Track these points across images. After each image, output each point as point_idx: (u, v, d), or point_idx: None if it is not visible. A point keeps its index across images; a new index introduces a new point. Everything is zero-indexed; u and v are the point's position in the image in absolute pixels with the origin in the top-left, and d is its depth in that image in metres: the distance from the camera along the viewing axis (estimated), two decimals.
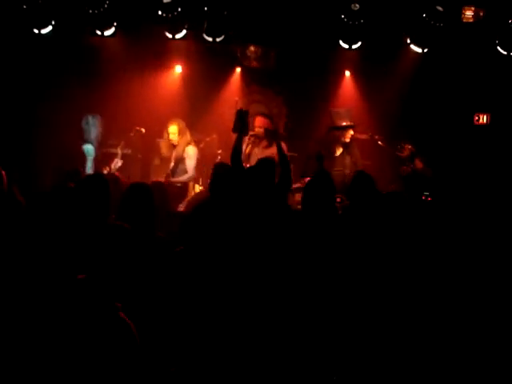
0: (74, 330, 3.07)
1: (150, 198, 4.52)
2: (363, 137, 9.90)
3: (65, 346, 3.04)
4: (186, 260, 3.80)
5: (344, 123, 8.61)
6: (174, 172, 9.06)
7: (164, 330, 3.63)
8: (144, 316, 3.50)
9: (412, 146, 8.78)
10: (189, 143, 9.23)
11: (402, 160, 8.69)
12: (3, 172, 4.82)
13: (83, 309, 3.11)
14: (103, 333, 3.08)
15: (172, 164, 9.08)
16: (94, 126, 9.35)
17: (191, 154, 9.20)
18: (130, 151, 9.40)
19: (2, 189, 4.77)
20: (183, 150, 9.13)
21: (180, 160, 9.12)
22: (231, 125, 9.24)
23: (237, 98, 11.40)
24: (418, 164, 8.68)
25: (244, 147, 8.29)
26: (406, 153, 8.62)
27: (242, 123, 6.56)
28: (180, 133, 9.10)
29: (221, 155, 10.13)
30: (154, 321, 3.62)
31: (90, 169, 9.19)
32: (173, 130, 9.07)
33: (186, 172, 9.14)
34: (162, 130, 9.89)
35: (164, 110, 9.57)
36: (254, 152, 8.37)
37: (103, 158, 9.39)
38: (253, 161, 7.94)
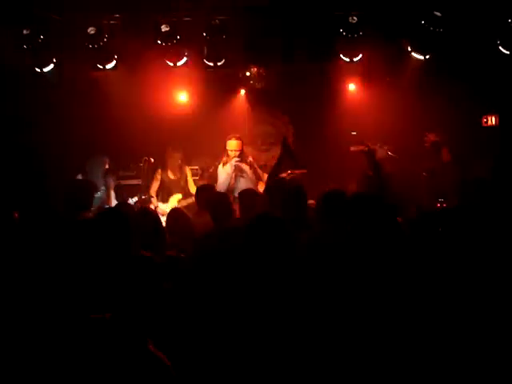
0: (106, 372, 3.02)
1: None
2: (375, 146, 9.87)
3: None
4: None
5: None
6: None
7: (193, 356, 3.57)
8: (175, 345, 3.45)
9: (436, 135, 8.49)
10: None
11: (427, 152, 8.42)
12: (16, 214, 4.78)
13: (112, 349, 3.06)
14: (136, 371, 3.03)
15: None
16: (96, 166, 9.29)
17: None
18: (140, 181, 9.39)
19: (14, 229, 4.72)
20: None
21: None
22: None
23: (242, 121, 11.49)
24: (446, 156, 8.35)
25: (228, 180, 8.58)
26: (429, 143, 8.32)
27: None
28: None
29: None
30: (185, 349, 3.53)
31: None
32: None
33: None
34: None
35: (170, 138, 9.58)
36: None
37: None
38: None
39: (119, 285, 3.17)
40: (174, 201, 9.19)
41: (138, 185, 9.40)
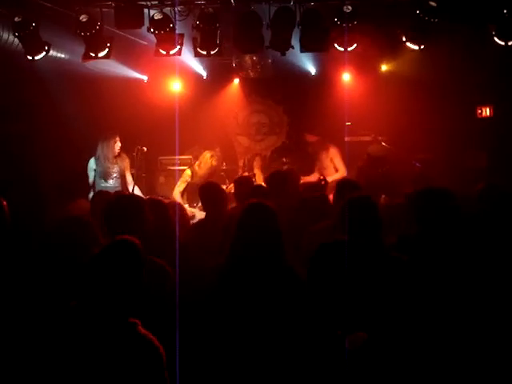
0: (95, 355, 3.01)
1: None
2: (366, 138, 9.86)
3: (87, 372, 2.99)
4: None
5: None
6: None
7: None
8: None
9: None
10: None
11: None
12: (4, 202, 4.69)
13: (101, 331, 3.05)
14: (124, 351, 3.02)
15: None
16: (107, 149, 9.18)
17: None
18: (133, 171, 9.33)
19: (4, 219, 4.62)
20: None
21: None
22: (233, 137, 9.27)
23: (236, 110, 11.45)
24: None
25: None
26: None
27: None
28: None
29: (225, 169, 10.12)
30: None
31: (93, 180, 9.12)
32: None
33: None
34: (164, 148, 9.90)
35: (164, 126, 9.52)
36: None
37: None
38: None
39: (105, 268, 3.15)
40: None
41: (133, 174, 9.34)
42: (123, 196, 4.98)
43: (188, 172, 9.14)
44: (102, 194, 6.67)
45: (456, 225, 3.93)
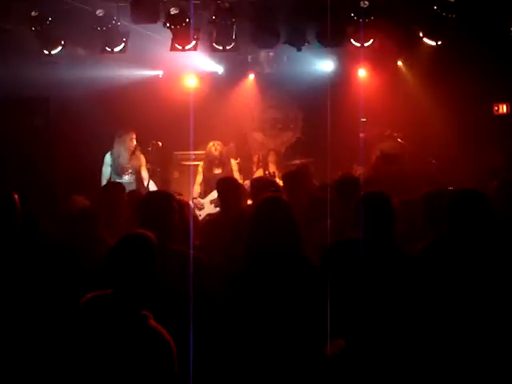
0: (106, 347, 3.05)
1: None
2: (382, 134, 9.80)
3: (101, 361, 3.04)
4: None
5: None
6: None
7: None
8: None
9: None
10: None
11: None
12: (16, 196, 4.71)
13: (113, 323, 3.09)
14: (136, 343, 3.06)
15: None
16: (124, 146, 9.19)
17: None
18: (149, 166, 9.34)
19: (15, 213, 4.63)
20: None
21: None
22: (247, 133, 9.21)
23: (251, 106, 11.43)
24: None
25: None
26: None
27: None
28: None
29: (240, 164, 10.10)
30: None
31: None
32: None
33: None
34: (179, 143, 9.91)
35: (179, 122, 9.52)
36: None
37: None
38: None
39: (119, 262, 3.19)
40: None
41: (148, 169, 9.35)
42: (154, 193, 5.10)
43: (201, 165, 9.35)
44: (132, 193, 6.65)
45: (489, 227, 3.89)
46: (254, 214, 3.80)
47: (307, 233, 4.68)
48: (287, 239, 3.65)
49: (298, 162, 10.02)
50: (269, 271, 3.58)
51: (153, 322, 3.13)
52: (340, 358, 3.42)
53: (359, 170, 8.79)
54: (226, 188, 5.98)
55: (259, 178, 8.24)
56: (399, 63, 10.38)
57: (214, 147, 9.22)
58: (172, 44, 8.23)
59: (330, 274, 3.58)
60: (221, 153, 9.25)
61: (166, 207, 4.18)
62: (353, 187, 5.15)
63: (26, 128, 9.71)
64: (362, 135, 9.90)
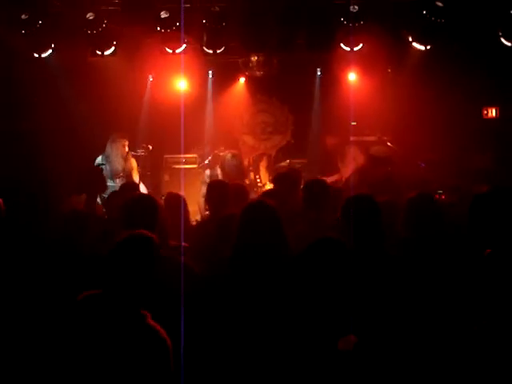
0: (103, 345, 3.07)
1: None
2: (371, 139, 9.84)
3: (97, 359, 3.06)
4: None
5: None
6: None
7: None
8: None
9: None
10: None
11: None
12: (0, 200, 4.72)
13: (110, 322, 3.11)
14: (134, 341, 3.08)
15: None
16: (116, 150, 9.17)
17: None
18: (139, 169, 9.35)
19: None
20: None
21: None
22: (238, 136, 9.17)
23: (242, 109, 11.45)
24: None
25: None
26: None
27: None
28: None
29: None
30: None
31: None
32: None
33: None
34: (169, 146, 9.91)
35: (170, 125, 9.53)
36: None
37: None
38: None
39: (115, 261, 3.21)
40: None
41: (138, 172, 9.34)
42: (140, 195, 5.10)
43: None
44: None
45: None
46: (240, 216, 3.84)
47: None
48: (274, 239, 3.68)
49: (288, 161, 10.06)
50: (256, 271, 3.61)
51: (151, 321, 3.15)
52: (352, 354, 3.44)
53: (331, 178, 8.78)
54: (215, 191, 6.00)
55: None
56: (388, 67, 10.43)
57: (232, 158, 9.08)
58: (162, 47, 8.25)
59: (314, 274, 3.62)
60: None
61: (150, 210, 4.18)
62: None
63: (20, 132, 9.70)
64: (352, 139, 9.92)
